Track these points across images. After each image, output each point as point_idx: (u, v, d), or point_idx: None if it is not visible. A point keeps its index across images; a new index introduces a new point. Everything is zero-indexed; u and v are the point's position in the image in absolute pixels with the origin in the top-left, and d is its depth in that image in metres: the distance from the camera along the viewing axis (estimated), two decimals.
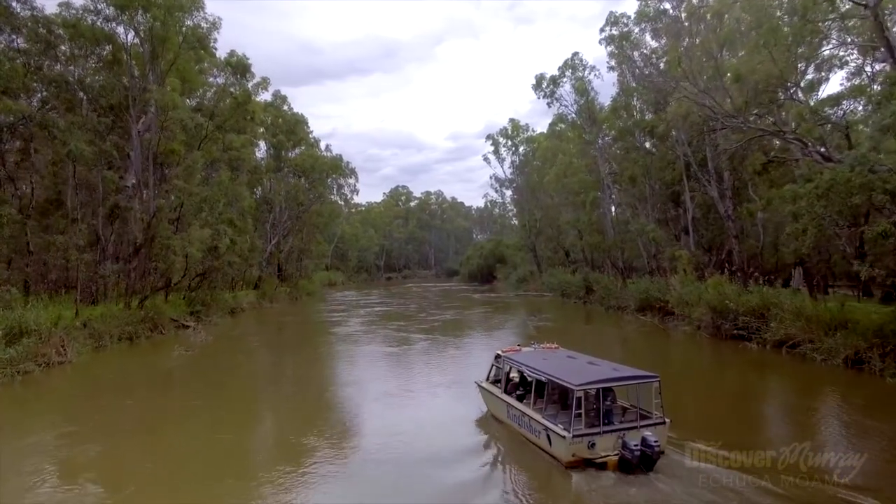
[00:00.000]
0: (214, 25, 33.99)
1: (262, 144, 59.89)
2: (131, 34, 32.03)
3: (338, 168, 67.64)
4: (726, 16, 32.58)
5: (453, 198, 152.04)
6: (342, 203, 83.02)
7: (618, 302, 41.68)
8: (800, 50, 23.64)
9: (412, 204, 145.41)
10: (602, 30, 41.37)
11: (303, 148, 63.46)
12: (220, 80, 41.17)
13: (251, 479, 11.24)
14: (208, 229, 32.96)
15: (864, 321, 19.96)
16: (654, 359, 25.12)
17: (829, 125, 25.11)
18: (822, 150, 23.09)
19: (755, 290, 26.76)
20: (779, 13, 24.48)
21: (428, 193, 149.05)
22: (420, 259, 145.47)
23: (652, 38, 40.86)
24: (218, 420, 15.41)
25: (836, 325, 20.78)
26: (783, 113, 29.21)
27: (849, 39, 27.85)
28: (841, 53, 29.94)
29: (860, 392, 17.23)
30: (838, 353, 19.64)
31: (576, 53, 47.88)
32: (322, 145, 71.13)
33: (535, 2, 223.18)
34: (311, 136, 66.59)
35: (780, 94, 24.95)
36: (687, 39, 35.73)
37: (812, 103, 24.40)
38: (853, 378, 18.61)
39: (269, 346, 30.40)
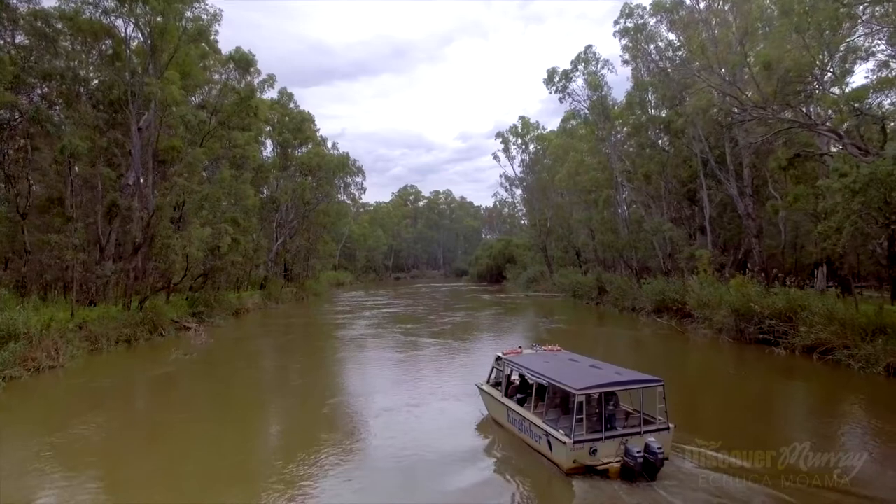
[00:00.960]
0: (215, 17, 33.02)
1: (269, 143, 59.17)
2: (131, 27, 31.09)
3: (345, 166, 66.82)
4: (747, 5, 31.22)
5: (462, 197, 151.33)
6: (350, 202, 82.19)
7: (632, 303, 40.34)
8: (833, 36, 22.15)
9: (421, 203, 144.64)
10: (616, 22, 40.02)
11: (309, 146, 62.60)
12: (224, 77, 40.29)
13: None
14: (209, 228, 31.97)
15: None
16: (673, 364, 23.97)
17: (859, 118, 23.56)
18: (855, 142, 21.64)
19: (780, 292, 25.40)
20: None
21: (437, 193, 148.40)
22: (429, 259, 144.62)
23: (668, 31, 39.45)
24: (207, 436, 14.32)
25: (873, 330, 19.37)
26: (811, 105, 27.82)
27: (878, 27, 26.42)
28: (867, 45, 28.60)
29: None
30: (878, 360, 18.25)
31: (589, 47, 46.31)
32: (329, 144, 70.56)
33: (546, 1, 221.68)
34: (318, 134, 65.80)
35: (811, 84, 23.48)
36: (704, 33, 34.32)
37: (846, 93, 22.85)
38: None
39: (272, 350, 29.33)
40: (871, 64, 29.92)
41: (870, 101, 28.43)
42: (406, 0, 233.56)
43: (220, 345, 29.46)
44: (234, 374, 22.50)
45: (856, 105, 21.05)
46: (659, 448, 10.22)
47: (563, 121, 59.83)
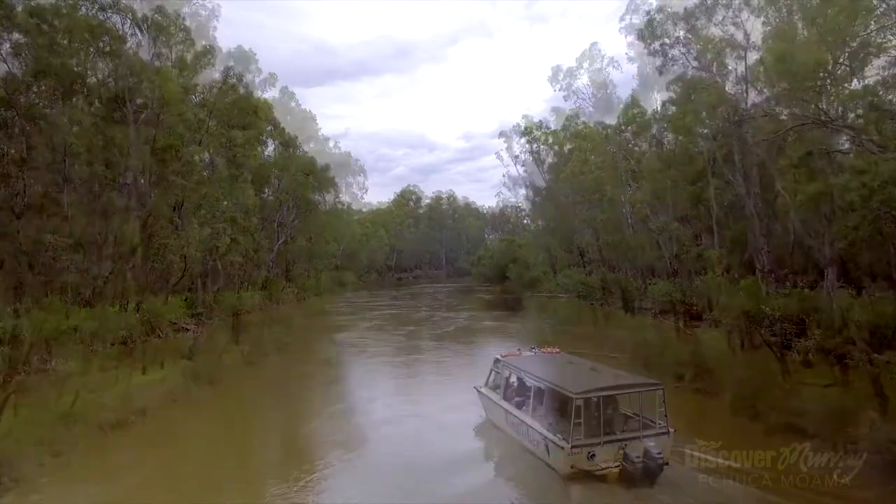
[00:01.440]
0: (213, 13, 32.60)
1: (270, 142, 58.62)
2: (128, 23, 30.59)
3: (347, 165, 66.37)
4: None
5: (465, 197, 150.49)
6: (352, 202, 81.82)
7: (638, 304, 39.72)
8: (851, 27, 21.48)
9: (423, 204, 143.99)
10: (622, 18, 39.47)
11: (311, 145, 62.22)
12: (224, 75, 39.79)
13: None
14: (208, 228, 31.45)
15: None
16: (679, 367, 23.29)
17: (878, 113, 22.86)
18: (873, 139, 20.97)
19: (792, 293, 24.69)
20: None
21: (439, 193, 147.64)
22: (431, 259, 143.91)
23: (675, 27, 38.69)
24: (204, 439, 13.80)
25: (893, 334, 18.67)
26: (821, 101, 27.12)
27: (891, 22, 25.74)
28: (879, 40, 27.94)
29: None
30: None
31: (594, 44, 45.97)
32: (331, 143, 70.19)
33: (550, 1, 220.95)
34: (319, 133, 65.46)
35: (825, 79, 22.80)
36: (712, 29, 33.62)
37: (863, 87, 22.19)
38: None
39: (270, 354, 28.75)
40: (881, 60, 29.34)
41: (880, 97, 27.81)
42: (409, 0, 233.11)
43: (218, 347, 28.85)
44: (232, 377, 21.93)
45: (874, 100, 20.33)
46: (658, 453, 10.09)
47: (568, 119, 59.28)
